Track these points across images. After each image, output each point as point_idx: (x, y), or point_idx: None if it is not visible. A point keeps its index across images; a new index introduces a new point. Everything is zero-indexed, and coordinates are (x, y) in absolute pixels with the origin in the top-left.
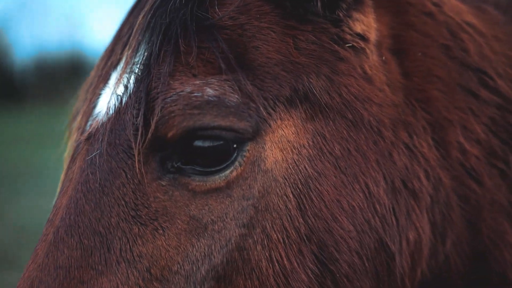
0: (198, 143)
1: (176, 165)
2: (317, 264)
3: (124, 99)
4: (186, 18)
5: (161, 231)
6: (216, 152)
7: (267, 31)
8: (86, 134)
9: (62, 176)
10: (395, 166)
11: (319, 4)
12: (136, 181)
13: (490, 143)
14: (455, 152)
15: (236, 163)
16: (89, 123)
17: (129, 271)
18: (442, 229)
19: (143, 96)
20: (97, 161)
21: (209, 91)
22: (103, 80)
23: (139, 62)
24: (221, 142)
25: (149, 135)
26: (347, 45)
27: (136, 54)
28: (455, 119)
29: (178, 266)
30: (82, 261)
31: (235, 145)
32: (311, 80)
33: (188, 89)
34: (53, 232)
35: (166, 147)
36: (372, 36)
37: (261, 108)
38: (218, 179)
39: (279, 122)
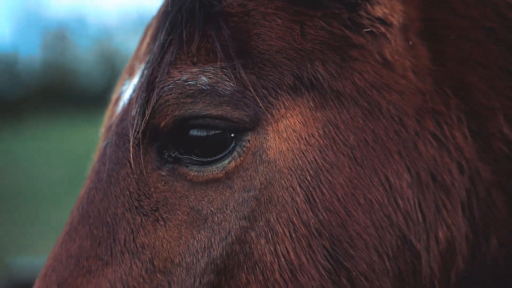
0: (193, 132)
1: (173, 155)
2: (330, 261)
3: (136, 90)
4: (194, 5)
5: (162, 222)
6: (212, 142)
7: (272, 17)
8: (107, 124)
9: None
10: (421, 158)
11: None
12: (138, 171)
13: None
14: (497, 144)
15: (235, 154)
16: (113, 113)
17: (132, 262)
18: (484, 227)
19: (145, 86)
20: (108, 151)
21: (203, 79)
22: (129, 70)
23: (152, 51)
24: (217, 132)
25: (143, 124)
26: (364, 30)
27: (152, 43)
28: (497, 107)
29: (180, 258)
30: (91, 251)
31: (232, 135)
32: (316, 68)
33: (184, 77)
34: (70, 222)
35: (160, 136)
36: (396, 19)
37: (258, 97)
38: (215, 170)
39: (283, 111)
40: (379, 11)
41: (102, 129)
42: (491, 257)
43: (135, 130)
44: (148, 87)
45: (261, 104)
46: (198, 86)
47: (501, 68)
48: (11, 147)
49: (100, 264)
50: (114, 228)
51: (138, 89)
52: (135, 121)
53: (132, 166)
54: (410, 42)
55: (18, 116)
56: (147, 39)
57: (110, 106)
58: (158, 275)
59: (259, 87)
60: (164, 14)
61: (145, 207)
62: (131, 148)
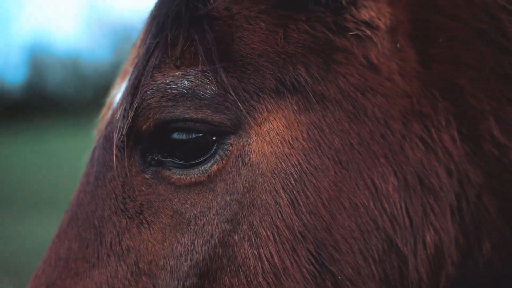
0: (175, 135)
1: (156, 158)
2: (315, 264)
3: (123, 93)
4: (179, 9)
5: (146, 225)
6: (194, 145)
7: (255, 21)
8: (100, 128)
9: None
10: (408, 162)
11: None
12: (123, 174)
13: None
14: (488, 146)
15: (217, 157)
16: (106, 116)
17: (118, 265)
18: (475, 230)
19: (130, 89)
20: (96, 154)
21: (184, 82)
22: (123, 74)
23: (139, 54)
24: (199, 135)
25: (126, 127)
26: (350, 33)
27: (140, 46)
28: (488, 109)
29: (164, 261)
30: (79, 253)
31: (214, 138)
32: (298, 71)
33: (167, 80)
34: (60, 224)
35: (143, 139)
36: (383, 22)
37: (239, 101)
38: (197, 173)
39: (265, 114)
40: (365, 15)
41: (96, 132)
42: (484, 259)
43: (119, 133)
44: (132, 90)
45: (242, 108)
46: (179, 90)
47: (492, 70)
48: (82, 148)
49: (87, 266)
50: (101, 230)
51: (124, 93)
52: (119, 124)
53: (118, 169)
54: (398, 45)
55: (87, 118)
56: (138, 43)
57: (104, 109)
58: (143, 277)
59: (241, 90)
60: (152, 17)
61: (130, 210)
62: (115, 150)
